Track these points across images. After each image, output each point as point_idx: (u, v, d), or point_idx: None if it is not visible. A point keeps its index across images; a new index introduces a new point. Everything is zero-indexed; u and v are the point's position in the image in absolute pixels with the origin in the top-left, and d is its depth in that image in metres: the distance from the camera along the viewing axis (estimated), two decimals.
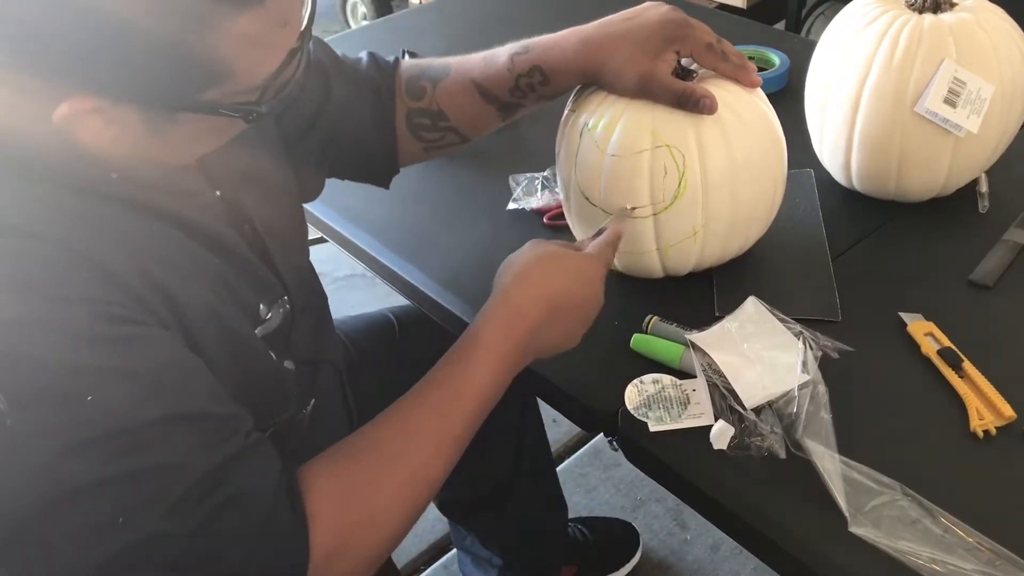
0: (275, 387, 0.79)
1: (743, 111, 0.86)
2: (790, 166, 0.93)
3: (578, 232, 0.95)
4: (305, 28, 0.62)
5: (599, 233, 0.85)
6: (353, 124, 0.93)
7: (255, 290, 0.76)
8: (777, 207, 0.94)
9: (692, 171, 0.84)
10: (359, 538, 0.68)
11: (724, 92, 0.85)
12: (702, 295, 0.94)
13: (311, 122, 0.91)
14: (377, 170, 0.99)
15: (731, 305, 0.87)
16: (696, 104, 0.83)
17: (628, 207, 0.86)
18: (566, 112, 0.92)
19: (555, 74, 0.88)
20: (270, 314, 0.78)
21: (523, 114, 0.94)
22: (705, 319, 0.87)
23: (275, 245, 0.80)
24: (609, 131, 0.85)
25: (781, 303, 0.86)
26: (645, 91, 0.84)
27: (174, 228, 0.68)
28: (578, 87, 0.92)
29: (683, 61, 0.87)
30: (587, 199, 0.88)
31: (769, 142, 0.88)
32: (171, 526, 0.58)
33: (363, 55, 0.96)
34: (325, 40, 0.96)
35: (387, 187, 1.01)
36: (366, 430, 0.73)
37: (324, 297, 0.95)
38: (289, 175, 0.89)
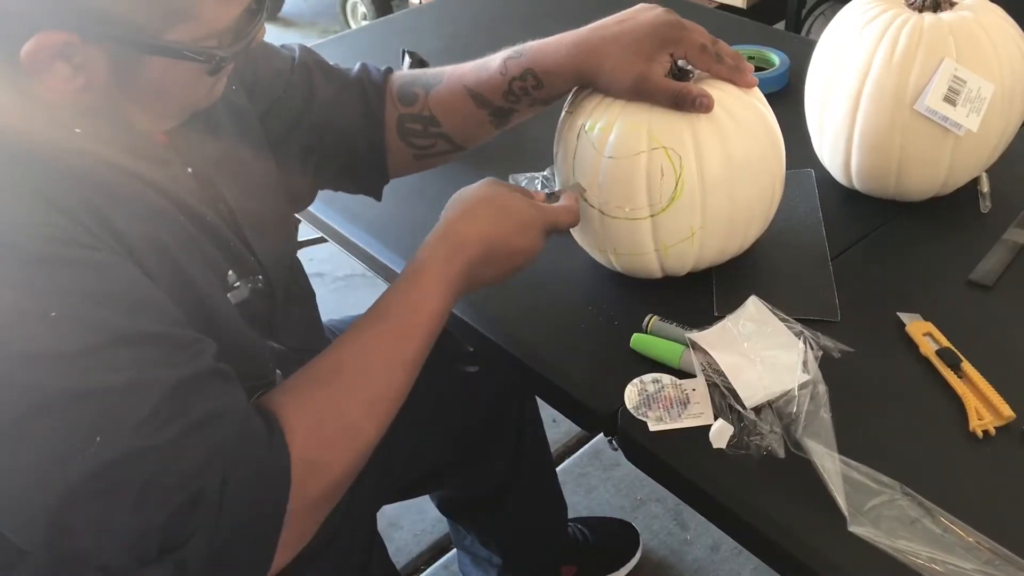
0: (246, 351, 0.79)
1: (739, 112, 0.85)
2: (790, 166, 0.93)
3: (576, 233, 0.95)
4: None
5: (553, 195, 0.88)
6: (339, 125, 0.93)
7: (224, 256, 0.77)
8: (776, 207, 0.94)
9: (689, 173, 0.84)
10: (336, 451, 0.70)
11: (720, 93, 0.85)
12: (702, 295, 0.94)
13: (295, 121, 0.91)
14: (366, 175, 0.99)
15: (730, 305, 0.87)
16: (693, 103, 0.82)
17: (582, 186, 0.88)
18: (563, 114, 0.92)
19: (548, 77, 0.88)
20: (239, 283, 0.78)
21: (516, 122, 0.94)
22: (705, 319, 0.87)
23: (251, 227, 0.80)
24: (606, 133, 0.85)
25: (781, 303, 0.86)
26: (640, 93, 0.84)
27: (136, 180, 0.69)
28: (575, 90, 0.92)
29: (680, 62, 0.87)
30: (585, 200, 0.88)
31: (767, 142, 0.88)
32: (143, 442, 0.59)
33: (355, 65, 0.97)
34: (325, 40, 0.96)
35: (379, 197, 1.01)
36: (327, 355, 0.74)
37: (312, 294, 0.95)
38: (272, 170, 0.88)
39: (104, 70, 0.62)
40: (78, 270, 0.59)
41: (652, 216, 0.86)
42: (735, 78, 0.87)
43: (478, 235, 0.81)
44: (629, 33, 0.85)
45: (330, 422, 0.70)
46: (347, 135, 0.94)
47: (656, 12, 0.86)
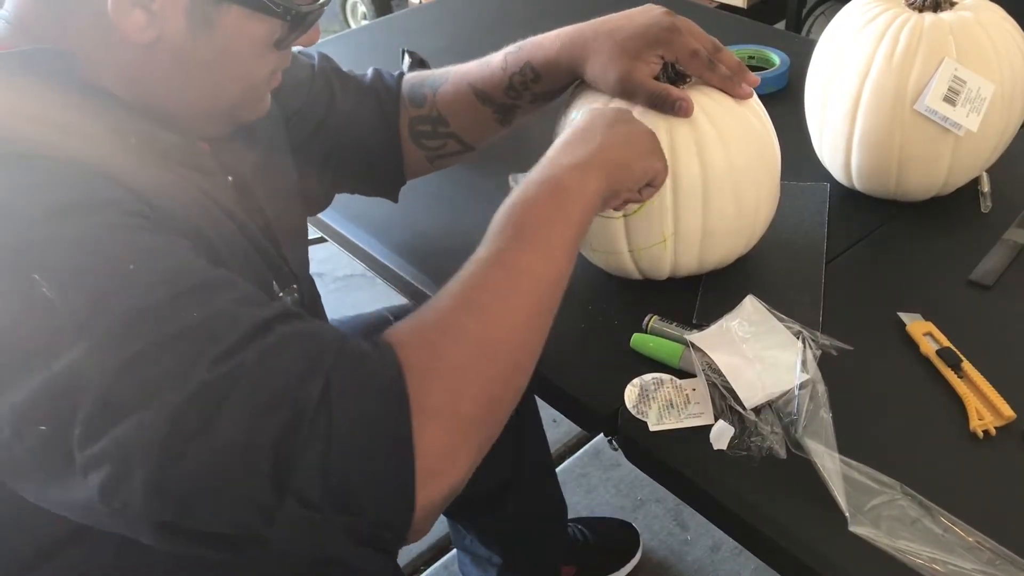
0: None
1: (724, 121, 0.84)
2: (793, 170, 0.93)
3: None
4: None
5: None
6: (357, 132, 0.94)
7: (268, 267, 0.77)
8: (765, 222, 0.92)
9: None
10: (452, 357, 0.61)
11: (709, 100, 0.85)
12: (688, 289, 0.94)
13: (317, 127, 0.92)
14: (383, 179, 1.00)
15: (711, 315, 0.86)
16: (671, 106, 0.82)
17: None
18: (561, 116, 0.92)
19: (545, 70, 0.89)
20: (281, 294, 0.78)
21: (521, 119, 0.95)
22: (703, 319, 0.87)
23: (284, 236, 0.81)
24: None
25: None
26: (624, 91, 0.85)
27: (190, 185, 0.69)
28: (571, 89, 0.92)
29: (678, 66, 0.86)
30: None
31: (754, 155, 0.86)
32: (234, 360, 0.54)
33: (368, 71, 0.98)
34: (325, 40, 0.96)
35: (395, 200, 1.02)
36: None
37: (318, 295, 0.96)
38: (294, 177, 0.90)
39: (179, 22, 0.63)
40: (149, 233, 0.58)
41: (624, 216, 0.86)
42: (726, 87, 0.86)
43: (589, 126, 0.77)
44: (622, 30, 0.85)
45: (431, 324, 0.62)
46: (365, 142, 0.95)
47: (654, 13, 0.86)
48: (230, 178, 0.76)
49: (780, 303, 0.87)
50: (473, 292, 0.65)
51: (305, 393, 0.54)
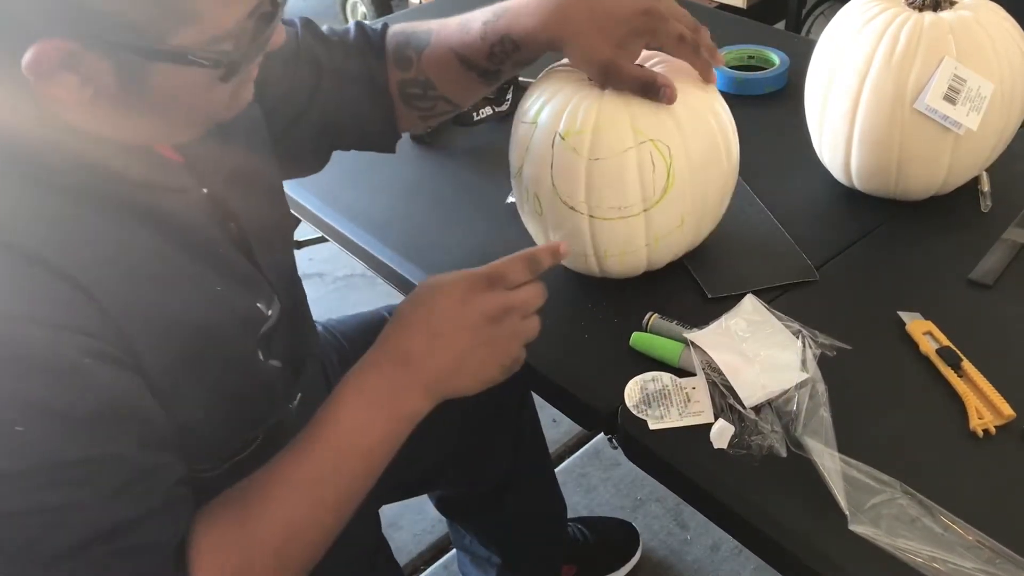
0: (266, 392, 0.78)
1: (695, 98, 0.86)
2: (791, 165, 0.94)
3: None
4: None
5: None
6: (348, 98, 0.93)
7: (247, 291, 0.76)
8: (735, 184, 0.95)
9: (679, 161, 0.84)
10: None
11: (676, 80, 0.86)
12: (686, 285, 0.95)
13: (305, 106, 0.90)
14: (378, 138, 0.99)
15: (720, 285, 0.91)
16: (657, 93, 0.82)
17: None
18: (518, 125, 0.91)
19: (524, 42, 0.86)
20: (270, 311, 0.77)
21: (506, 77, 0.93)
22: (702, 308, 0.87)
23: (260, 244, 0.79)
24: (587, 135, 0.84)
25: (760, 275, 0.92)
26: (608, 78, 0.84)
27: (157, 235, 0.67)
28: (525, 94, 0.91)
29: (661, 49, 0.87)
30: (572, 208, 0.87)
31: (726, 122, 0.90)
32: (70, 568, 0.58)
33: (351, 27, 0.95)
34: None
35: (393, 151, 1.01)
36: (252, 500, 0.70)
37: (303, 293, 0.95)
38: (275, 168, 0.87)
39: (112, 79, 0.59)
40: (63, 382, 0.57)
41: (645, 211, 0.86)
42: (705, 74, 0.87)
43: (401, 331, 0.74)
44: (607, 15, 0.83)
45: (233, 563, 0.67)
46: (357, 107, 0.93)
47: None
48: (205, 190, 0.73)
49: (764, 261, 0.96)
50: (281, 533, 0.68)
51: None
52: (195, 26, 0.59)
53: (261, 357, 0.77)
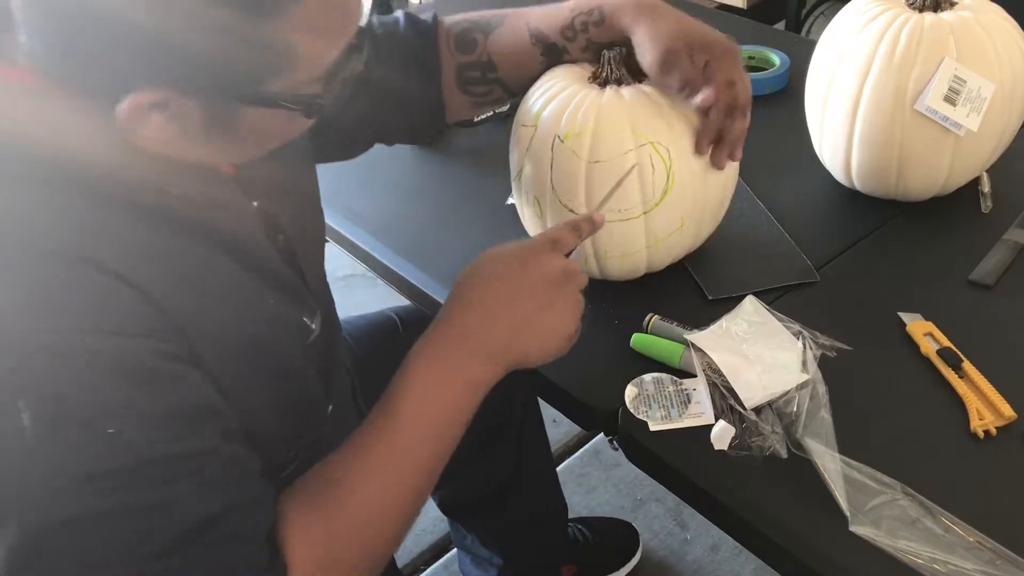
0: (310, 405, 0.79)
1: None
2: (791, 166, 0.94)
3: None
4: (364, 26, 0.63)
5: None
6: (396, 94, 0.92)
7: (295, 305, 0.76)
8: (735, 184, 0.95)
9: (678, 163, 0.84)
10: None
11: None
12: (687, 287, 0.95)
13: (350, 101, 0.90)
14: (424, 132, 1.00)
15: (720, 287, 0.91)
16: (695, 93, 0.82)
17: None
18: (517, 128, 0.91)
19: (610, 17, 0.87)
20: (314, 324, 0.78)
21: (568, 59, 0.92)
22: (702, 309, 0.87)
23: (305, 256, 0.79)
24: (586, 138, 0.84)
25: (761, 276, 0.92)
26: (664, 64, 0.83)
27: (218, 251, 0.67)
28: (525, 97, 0.91)
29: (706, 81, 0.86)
30: (572, 210, 0.87)
31: None
32: (162, 566, 0.58)
33: (399, 15, 0.94)
34: None
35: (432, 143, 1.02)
36: (334, 477, 0.70)
37: (333, 302, 0.95)
38: (314, 178, 0.88)
39: (199, 118, 0.60)
40: (148, 385, 0.58)
41: (645, 213, 0.86)
42: (717, 148, 0.86)
43: (471, 298, 0.74)
44: (691, 24, 0.84)
45: (330, 543, 0.67)
46: (405, 103, 0.93)
47: (723, 35, 0.85)
48: (255, 203, 0.74)
49: (764, 262, 0.96)
50: (363, 513, 0.68)
51: None
52: (291, 74, 0.60)
53: (308, 370, 0.77)
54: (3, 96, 0.59)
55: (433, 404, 0.71)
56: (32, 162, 0.58)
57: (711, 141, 0.86)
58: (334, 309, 0.93)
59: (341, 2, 0.60)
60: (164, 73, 0.57)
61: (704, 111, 0.84)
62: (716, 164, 0.87)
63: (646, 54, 0.85)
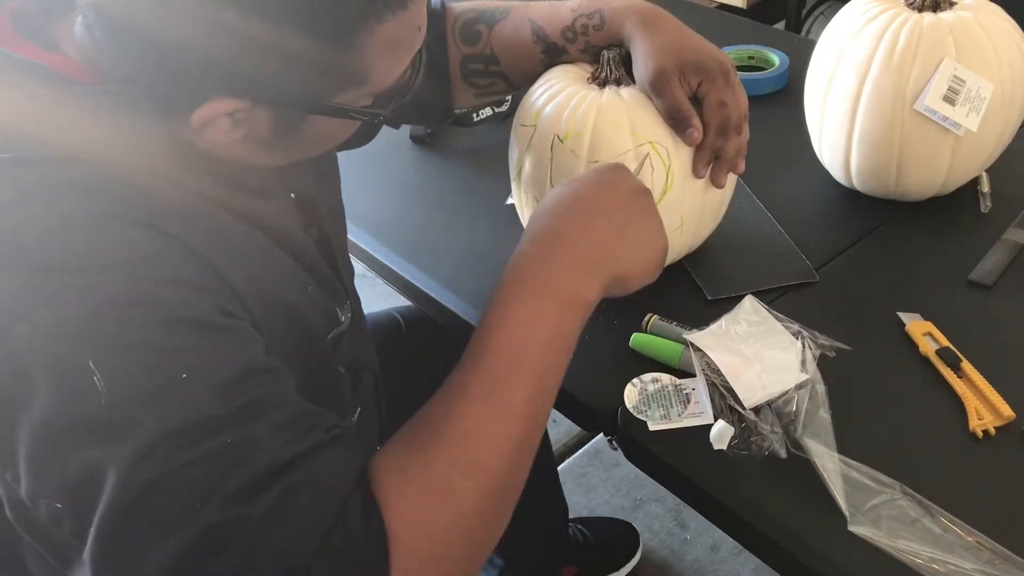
0: (337, 399, 0.78)
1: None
2: (791, 166, 0.94)
3: None
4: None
5: None
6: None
7: (329, 295, 0.76)
8: (734, 185, 0.95)
9: (677, 163, 0.84)
10: (443, 528, 0.59)
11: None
12: (686, 287, 0.95)
13: None
14: (432, 118, 1.01)
15: (719, 287, 0.91)
16: (683, 128, 0.82)
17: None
18: (516, 127, 0.91)
19: (610, 21, 0.87)
20: (343, 317, 0.78)
21: (567, 60, 0.92)
22: (702, 309, 0.87)
23: (338, 247, 0.80)
24: (586, 137, 0.84)
25: (760, 276, 0.93)
26: (654, 84, 0.83)
27: (263, 234, 0.69)
28: (525, 96, 0.91)
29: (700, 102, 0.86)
30: None
31: None
32: (243, 508, 0.54)
33: None
34: None
35: (445, 125, 1.06)
36: (434, 422, 0.63)
37: (360, 301, 0.95)
38: (337, 173, 0.89)
39: (267, 126, 0.63)
40: (218, 333, 0.57)
41: None
42: (715, 166, 0.86)
43: (557, 215, 0.69)
44: (690, 34, 0.85)
45: (422, 487, 0.60)
46: (418, 95, 0.94)
47: (722, 54, 0.85)
48: (293, 195, 0.75)
49: (763, 262, 0.97)
50: (465, 441, 0.61)
51: (292, 562, 0.54)
52: (362, 87, 0.62)
53: (336, 364, 0.77)
54: (71, 94, 0.61)
55: (532, 328, 0.65)
56: (92, 160, 0.59)
57: (707, 163, 0.86)
58: (361, 308, 0.92)
59: (418, 19, 0.62)
60: (243, 86, 0.59)
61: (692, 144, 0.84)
62: (716, 183, 0.87)
63: (639, 69, 0.85)
